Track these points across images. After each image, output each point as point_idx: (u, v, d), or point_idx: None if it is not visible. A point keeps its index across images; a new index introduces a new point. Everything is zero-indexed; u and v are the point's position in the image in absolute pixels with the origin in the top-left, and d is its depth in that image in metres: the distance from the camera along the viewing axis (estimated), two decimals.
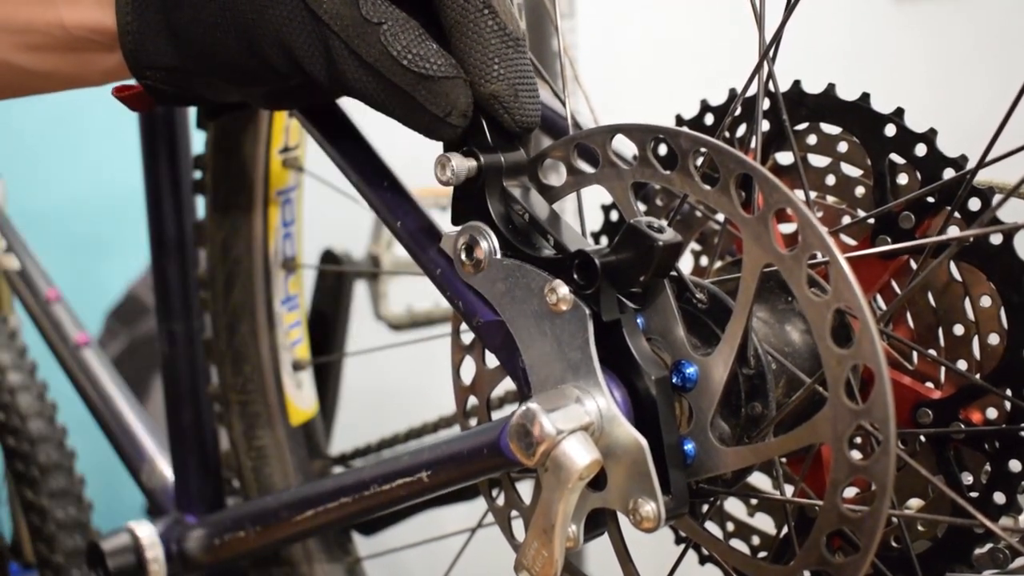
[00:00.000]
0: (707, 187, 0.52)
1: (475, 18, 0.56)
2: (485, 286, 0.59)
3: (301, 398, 1.02)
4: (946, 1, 1.62)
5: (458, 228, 0.60)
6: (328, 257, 1.52)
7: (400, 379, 1.82)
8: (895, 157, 0.62)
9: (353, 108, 0.65)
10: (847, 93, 0.64)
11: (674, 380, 0.54)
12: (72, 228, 2.09)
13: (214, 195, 0.94)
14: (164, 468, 1.01)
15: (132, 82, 0.65)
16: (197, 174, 0.94)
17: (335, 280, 1.53)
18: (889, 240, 0.62)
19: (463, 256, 0.59)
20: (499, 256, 0.58)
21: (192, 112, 0.92)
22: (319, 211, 1.10)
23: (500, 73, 0.56)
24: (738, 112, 0.68)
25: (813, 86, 0.66)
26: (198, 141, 0.94)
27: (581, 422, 0.52)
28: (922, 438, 0.62)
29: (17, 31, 0.63)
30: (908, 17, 1.65)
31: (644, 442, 0.52)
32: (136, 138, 0.90)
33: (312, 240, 1.14)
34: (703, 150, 0.53)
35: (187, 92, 0.65)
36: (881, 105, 0.63)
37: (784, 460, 0.67)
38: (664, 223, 0.53)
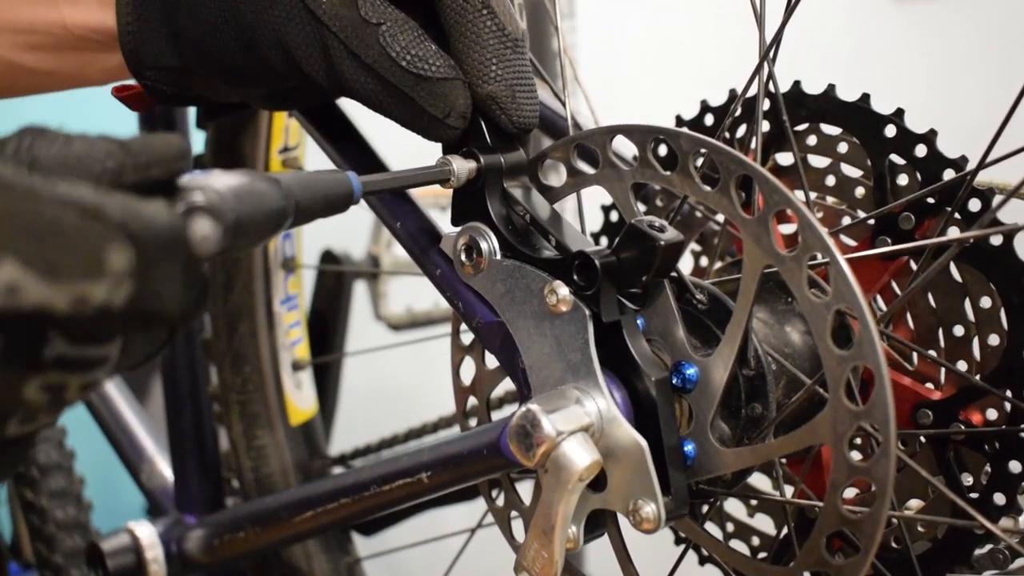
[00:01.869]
0: (707, 188, 0.52)
1: (473, 19, 0.56)
2: (485, 287, 0.59)
3: (301, 398, 1.02)
4: (946, 1, 1.61)
5: (458, 229, 0.60)
6: (328, 257, 1.52)
7: (400, 379, 1.82)
8: (895, 158, 0.62)
9: (353, 108, 0.65)
10: (847, 94, 0.64)
11: (674, 381, 0.54)
12: None
13: None
14: (164, 468, 1.01)
15: (132, 82, 0.65)
16: None
17: (335, 280, 1.53)
18: (889, 241, 0.62)
19: (463, 257, 0.59)
20: (499, 257, 0.58)
21: (192, 112, 0.92)
22: None
23: (497, 74, 0.56)
24: (738, 113, 0.68)
25: (813, 87, 0.66)
26: (198, 141, 0.94)
27: (581, 423, 0.52)
28: (922, 439, 0.62)
29: (20, 31, 0.63)
30: (908, 17, 1.65)
31: (644, 443, 0.52)
32: None
33: (312, 240, 1.13)
34: (703, 151, 0.52)
35: (187, 92, 0.65)
36: (881, 106, 0.63)
37: (784, 461, 0.67)
38: (665, 223, 0.53)
